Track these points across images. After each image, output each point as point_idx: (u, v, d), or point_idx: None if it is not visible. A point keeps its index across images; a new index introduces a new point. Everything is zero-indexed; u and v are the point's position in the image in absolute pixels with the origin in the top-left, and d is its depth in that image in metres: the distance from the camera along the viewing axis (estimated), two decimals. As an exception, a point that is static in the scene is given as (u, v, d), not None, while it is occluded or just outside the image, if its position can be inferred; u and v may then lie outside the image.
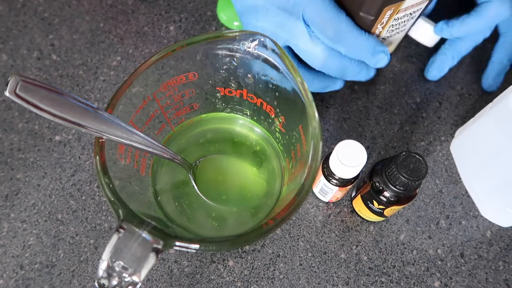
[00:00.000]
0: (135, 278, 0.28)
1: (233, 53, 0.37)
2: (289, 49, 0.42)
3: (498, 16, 0.44)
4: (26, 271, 0.42)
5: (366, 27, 0.39)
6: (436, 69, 0.50)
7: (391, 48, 0.47)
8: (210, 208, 0.42)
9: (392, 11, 0.38)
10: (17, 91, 0.26)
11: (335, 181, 0.40)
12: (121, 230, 0.28)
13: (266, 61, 0.36)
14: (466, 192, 0.47)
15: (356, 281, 0.42)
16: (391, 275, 0.43)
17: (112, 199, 0.30)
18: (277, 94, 0.39)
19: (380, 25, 0.39)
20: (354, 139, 0.38)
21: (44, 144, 0.47)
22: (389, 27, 0.40)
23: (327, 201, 0.45)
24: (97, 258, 0.43)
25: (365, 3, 0.37)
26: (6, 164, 0.46)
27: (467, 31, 0.45)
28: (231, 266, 0.43)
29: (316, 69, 0.42)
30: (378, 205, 0.40)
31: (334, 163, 0.38)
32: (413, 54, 0.53)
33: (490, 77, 0.50)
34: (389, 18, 0.39)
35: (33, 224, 0.44)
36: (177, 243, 0.29)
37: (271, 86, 0.38)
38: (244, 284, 0.42)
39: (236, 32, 0.36)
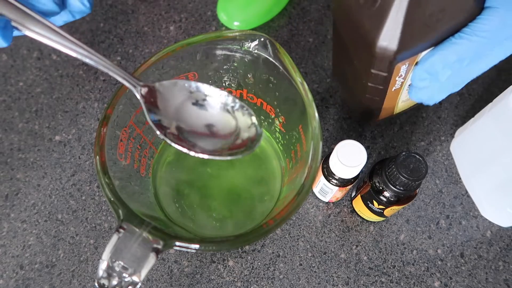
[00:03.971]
0: (135, 278, 0.28)
1: (233, 53, 0.37)
2: None
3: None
4: (26, 271, 0.42)
5: (381, 83, 0.36)
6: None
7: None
8: (211, 208, 0.42)
9: (407, 65, 0.34)
10: None
11: (335, 181, 0.40)
12: (121, 230, 0.28)
13: (266, 61, 0.36)
14: (466, 192, 0.47)
15: (356, 281, 0.42)
16: (391, 275, 0.43)
17: (112, 199, 0.30)
18: (277, 94, 0.39)
19: (399, 77, 0.35)
20: (354, 139, 0.38)
21: (44, 144, 0.47)
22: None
23: (327, 201, 0.45)
24: (97, 258, 0.43)
25: (375, 62, 0.33)
26: (6, 164, 0.46)
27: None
28: (231, 266, 0.43)
29: None
30: (378, 205, 0.40)
31: (334, 163, 0.38)
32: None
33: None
34: (407, 72, 0.35)
35: (33, 224, 0.44)
36: (177, 243, 0.29)
37: (271, 86, 0.38)
38: (244, 284, 0.42)
39: (236, 32, 0.36)
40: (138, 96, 0.29)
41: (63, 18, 0.32)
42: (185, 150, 0.29)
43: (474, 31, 0.30)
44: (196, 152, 0.29)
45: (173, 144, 0.29)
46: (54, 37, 0.27)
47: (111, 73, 0.28)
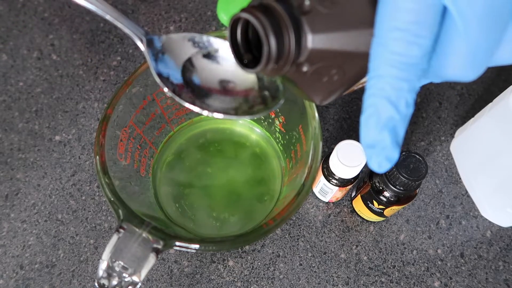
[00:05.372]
0: (135, 278, 0.28)
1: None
2: None
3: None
4: (26, 271, 0.42)
5: None
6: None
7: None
8: (211, 208, 0.42)
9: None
10: None
11: (335, 181, 0.40)
12: (121, 230, 0.28)
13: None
14: (466, 192, 0.47)
15: (356, 281, 0.42)
16: (391, 275, 0.43)
17: (112, 199, 0.30)
18: (277, 94, 0.39)
19: None
20: (354, 139, 0.38)
21: (44, 144, 0.47)
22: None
23: (327, 201, 0.45)
24: (97, 258, 0.43)
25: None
26: (6, 164, 0.46)
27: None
28: (231, 266, 0.43)
29: None
30: (378, 205, 0.40)
31: (334, 163, 0.38)
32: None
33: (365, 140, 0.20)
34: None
35: (33, 224, 0.44)
36: (177, 243, 0.29)
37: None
38: (244, 284, 0.42)
39: (236, 32, 0.36)
40: (143, 48, 0.26)
41: None
42: (197, 109, 0.26)
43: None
44: (209, 111, 0.26)
45: (183, 103, 0.26)
46: None
47: (111, 20, 0.25)
